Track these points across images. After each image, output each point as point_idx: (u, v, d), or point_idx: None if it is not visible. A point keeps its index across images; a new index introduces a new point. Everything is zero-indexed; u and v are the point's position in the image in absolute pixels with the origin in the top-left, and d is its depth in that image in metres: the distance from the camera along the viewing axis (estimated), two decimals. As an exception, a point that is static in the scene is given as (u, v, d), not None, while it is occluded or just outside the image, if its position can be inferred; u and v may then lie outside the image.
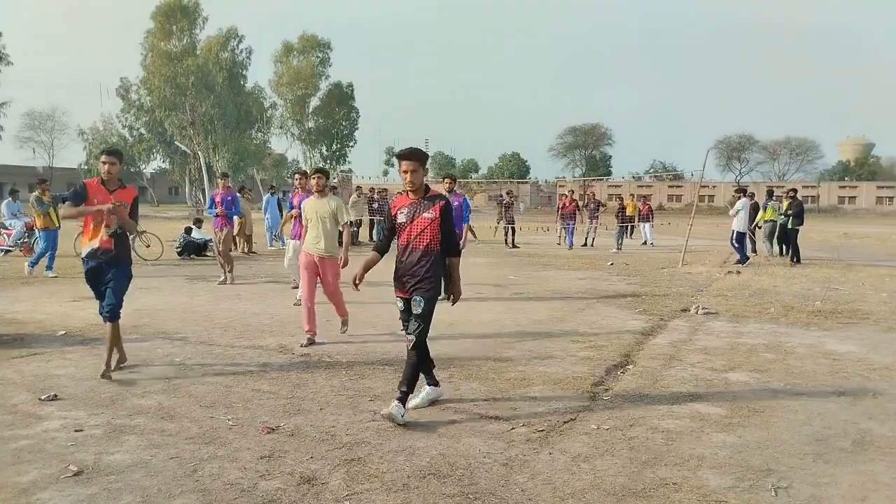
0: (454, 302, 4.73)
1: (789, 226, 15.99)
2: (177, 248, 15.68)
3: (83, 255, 5.57)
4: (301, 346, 6.65)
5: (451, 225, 4.66)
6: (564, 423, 4.53)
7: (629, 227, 23.92)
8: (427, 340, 4.64)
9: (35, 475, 3.57)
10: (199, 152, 49.14)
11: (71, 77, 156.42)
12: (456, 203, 9.20)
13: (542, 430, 4.36)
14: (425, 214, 4.56)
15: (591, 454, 3.98)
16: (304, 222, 7.18)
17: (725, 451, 4.05)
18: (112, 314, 5.55)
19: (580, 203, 23.41)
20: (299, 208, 7.74)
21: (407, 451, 3.99)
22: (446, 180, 9.76)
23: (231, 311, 8.69)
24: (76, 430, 4.23)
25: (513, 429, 4.40)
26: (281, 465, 3.75)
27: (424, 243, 4.54)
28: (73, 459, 3.77)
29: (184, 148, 52.10)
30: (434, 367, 4.93)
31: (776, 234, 17.03)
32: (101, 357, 6.08)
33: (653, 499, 3.41)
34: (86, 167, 63.01)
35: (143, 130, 58.94)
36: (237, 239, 17.52)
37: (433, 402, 4.85)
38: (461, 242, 9.04)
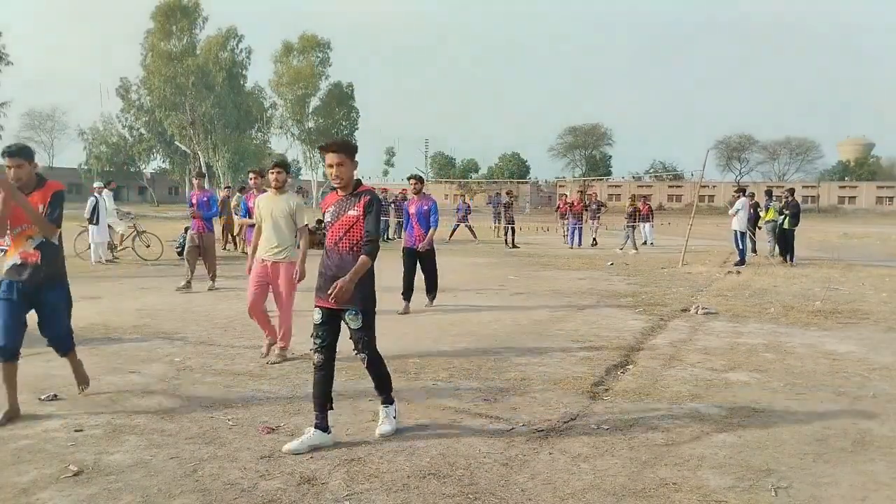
0: (336, 301, 3.97)
1: (785, 226, 15.97)
2: (177, 248, 15.67)
3: (3, 273, 4.46)
4: (262, 357, 6.07)
5: (376, 222, 4.14)
6: (564, 423, 4.52)
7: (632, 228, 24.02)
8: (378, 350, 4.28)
9: (35, 475, 3.57)
10: (199, 152, 49.17)
11: (71, 77, 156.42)
12: (425, 207, 8.80)
13: (542, 430, 4.36)
14: (350, 212, 4.10)
15: (591, 454, 3.98)
16: (256, 223, 6.31)
17: (725, 451, 4.05)
18: (64, 344, 4.73)
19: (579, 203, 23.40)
20: (246, 214, 7.03)
21: (407, 451, 3.99)
22: (412, 181, 9.10)
23: (231, 311, 8.69)
24: (76, 430, 4.23)
25: (513, 429, 4.40)
26: (281, 465, 3.75)
27: (349, 245, 4.08)
28: (73, 459, 3.77)
29: (184, 148, 52.15)
30: (332, 408, 4.18)
31: (775, 233, 17.04)
32: (101, 357, 6.10)
33: (653, 499, 3.41)
34: (86, 167, 63.08)
35: (143, 130, 59.05)
36: (236, 239, 17.56)
37: (315, 449, 3.96)
38: (424, 244, 8.78)
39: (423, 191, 9.10)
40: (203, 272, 10.85)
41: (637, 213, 21.59)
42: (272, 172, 6.31)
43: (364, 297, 4.11)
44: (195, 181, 11.57)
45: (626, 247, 19.26)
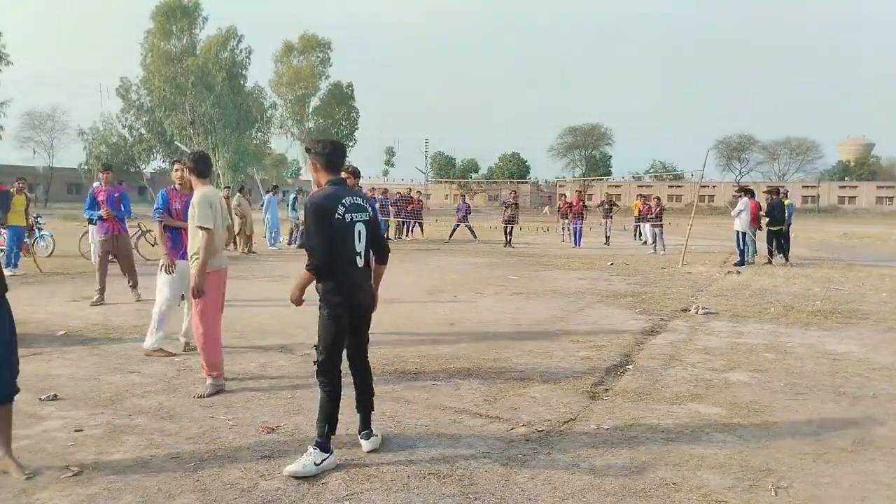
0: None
1: (772, 227, 15.87)
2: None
3: None
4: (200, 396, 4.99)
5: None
6: (564, 423, 4.53)
7: (636, 228, 24.06)
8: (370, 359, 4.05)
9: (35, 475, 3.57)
10: (199, 152, 49.08)
11: (71, 77, 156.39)
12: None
13: (542, 430, 4.36)
14: None
15: (591, 454, 3.98)
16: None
17: (725, 451, 4.05)
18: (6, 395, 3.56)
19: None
20: (164, 211, 6.28)
21: (407, 451, 3.98)
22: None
23: (231, 310, 8.67)
24: (76, 430, 4.24)
25: (513, 429, 4.40)
26: (281, 465, 3.75)
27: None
28: (73, 459, 3.77)
29: (184, 148, 52.00)
30: (333, 433, 3.84)
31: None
32: (101, 357, 6.10)
33: (653, 499, 3.41)
34: (86, 167, 63.08)
35: (143, 130, 58.95)
36: (237, 239, 17.56)
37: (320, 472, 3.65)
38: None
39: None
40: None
41: (643, 214, 21.63)
42: (174, 170, 6.07)
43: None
44: (102, 175, 9.57)
45: (658, 248, 19.17)
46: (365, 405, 4.10)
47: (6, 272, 11.43)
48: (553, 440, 4.21)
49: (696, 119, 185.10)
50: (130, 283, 9.44)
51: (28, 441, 4.06)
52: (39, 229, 15.16)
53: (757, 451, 4.07)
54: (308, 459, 3.66)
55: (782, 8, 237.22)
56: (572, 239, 21.68)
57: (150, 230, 15.80)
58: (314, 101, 58.86)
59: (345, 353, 4.00)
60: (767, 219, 15.84)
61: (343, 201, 3.79)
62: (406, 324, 7.86)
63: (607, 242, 22.25)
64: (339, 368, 3.88)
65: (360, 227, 3.85)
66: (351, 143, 61.24)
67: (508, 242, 21.04)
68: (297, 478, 3.57)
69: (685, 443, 4.19)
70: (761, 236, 16.63)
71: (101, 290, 9.15)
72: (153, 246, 15.18)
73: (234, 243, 17.72)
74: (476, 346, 6.78)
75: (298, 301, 3.96)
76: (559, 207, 23.81)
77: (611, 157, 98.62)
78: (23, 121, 62.10)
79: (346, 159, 4.64)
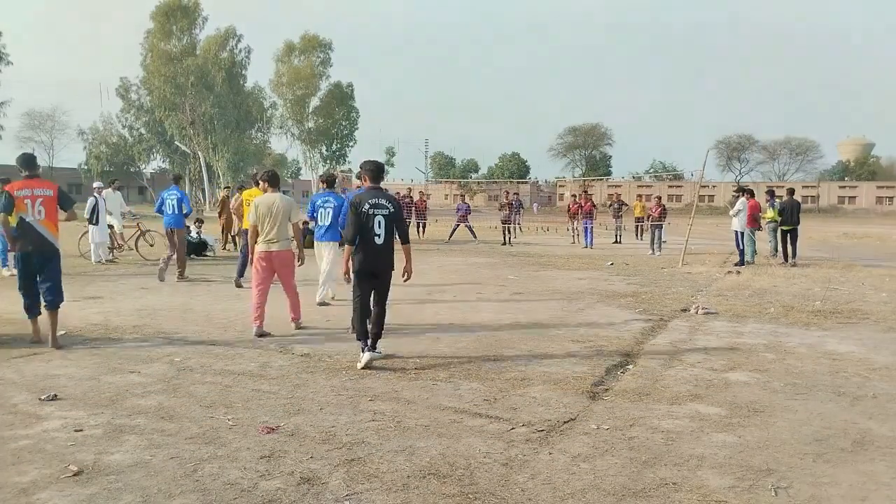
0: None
1: (784, 227, 15.87)
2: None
3: None
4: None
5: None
6: (564, 423, 4.53)
7: (638, 228, 24.05)
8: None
9: (35, 475, 3.57)
10: (199, 152, 49.17)
11: (71, 77, 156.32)
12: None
13: (542, 430, 4.36)
14: None
15: (591, 454, 3.98)
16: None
17: (725, 451, 4.05)
18: None
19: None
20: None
21: (407, 451, 3.99)
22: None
23: (231, 311, 8.69)
24: (76, 430, 4.23)
25: (513, 429, 4.40)
26: (281, 465, 3.75)
27: None
28: (73, 459, 3.77)
29: (184, 148, 52.17)
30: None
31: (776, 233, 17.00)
32: (101, 357, 6.10)
33: (653, 499, 3.41)
34: (86, 167, 63.08)
35: (143, 130, 58.99)
36: (236, 239, 17.55)
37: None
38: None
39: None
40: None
41: (662, 211, 21.45)
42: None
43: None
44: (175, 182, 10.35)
45: (655, 249, 19.08)
46: (374, 334, 5.98)
47: (4, 272, 11.28)
48: (553, 440, 4.21)
49: (696, 119, 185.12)
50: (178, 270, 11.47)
51: (28, 441, 4.05)
52: None
53: (757, 451, 4.07)
54: (368, 354, 5.83)
55: (783, 7, 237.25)
56: (585, 239, 21.55)
57: (149, 230, 15.83)
58: (314, 101, 58.91)
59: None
60: (780, 218, 15.83)
61: (370, 200, 5.86)
62: (406, 324, 7.86)
63: (618, 241, 22.33)
64: (367, 303, 5.98)
65: (379, 218, 5.84)
66: (351, 143, 61.34)
67: (506, 241, 21.07)
68: (369, 368, 5.72)
69: (685, 443, 4.19)
70: (762, 236, 16.63)
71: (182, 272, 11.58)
72: (152, 246, 15.21)
73: (235, 243, 17.73)
74: (476, 346, 6.78)
75: (346, 270, 5.92)
76: (569, 207, 23.56)
77: (611, 157, 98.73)
78: (23, 121, 62.22)
79: (384, 173, 6.44)
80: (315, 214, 9.10)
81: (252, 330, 7.16)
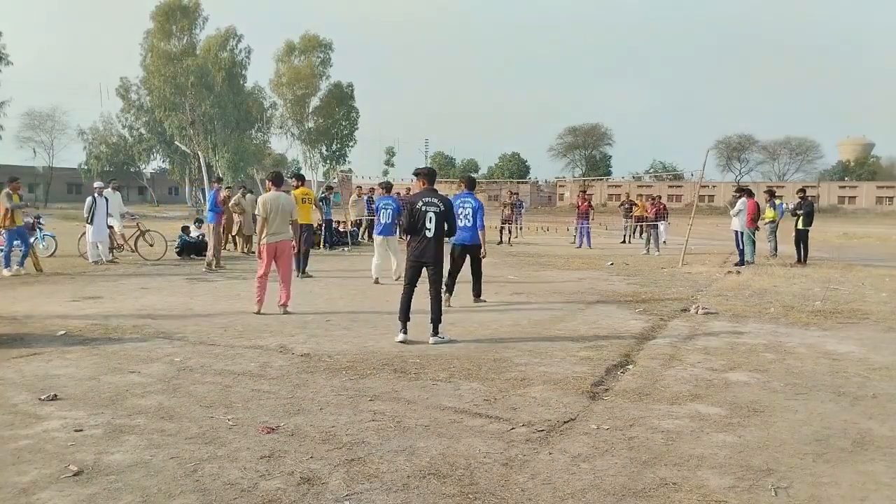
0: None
1: (800, 226, 15.85)
2: (176, 248, 15.71)
3: None
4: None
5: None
6: (564, 423, 4.53)
7: (638, 227, 24.00)
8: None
9: (35, 475, 3.57)
10: (199, 152, 49.11)
11: (71, 77, 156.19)
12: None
13: (542, 430, 4.36)
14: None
15: (591, 454, 3.98)
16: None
17: (725, 451, 4.05)
18: None
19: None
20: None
21: (407, 451, 3.99)
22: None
23: (231, 311, 8.69)
24: (76, 430, 4.23)
25: (513, 429, 4.40)
26: (281, 465, 3.75)
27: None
28: (73, 459, 3.77)
29: (184, 148, 52.13)
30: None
31: (775, 234, 17.01)
32: (101, 357, 6.10)
33: (653, 499, 3.41)
34: (86, 167, 63.07)
35: (143, 130, 58.96)
36: (237, 239, 17.55)
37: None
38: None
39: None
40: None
41: (664, 210, 21.33)
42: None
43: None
44: (216, 184, 11.19)
45: (651, 248, 19.04)
46: (433, 320, 6.93)
47: (5, 272, 11.36)
48: (553, 440, 4.21)
49: (696, 119, 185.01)
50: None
51: (28, 441, 4.05)
52: (41, 229, 15.17)
53: (757, 451, 4.07)
54: (431, 339, 6.85)
55: (782, 8, 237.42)
56: (579, 239, 21.47)
57: (148, 230, 15.84)
58: (314, 101, 58.85)
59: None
60: (796, 218, 15.82)
61: (423, 199, 6.84)
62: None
63: (627, 241, 22.44)
64: (411, 290, 6.97)
65: (430, 214, 6.80)
66: (351, 143, 61.23)
67: (502, 241, 21.11)
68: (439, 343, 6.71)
69: (685, 443, 4.19)
70: (760, 236, 16.61)
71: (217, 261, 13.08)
72: (151, 246, 15.25)
73: (234, 243, 17.73)
74: (476, 346, 6.78)
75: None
76: (578, 206, 23.34)
77: (611, 157, 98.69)
78: (23, 121, 62.01)
79: (436, 178, 7.34)
80: (378, 214, 11.52)
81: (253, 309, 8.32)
